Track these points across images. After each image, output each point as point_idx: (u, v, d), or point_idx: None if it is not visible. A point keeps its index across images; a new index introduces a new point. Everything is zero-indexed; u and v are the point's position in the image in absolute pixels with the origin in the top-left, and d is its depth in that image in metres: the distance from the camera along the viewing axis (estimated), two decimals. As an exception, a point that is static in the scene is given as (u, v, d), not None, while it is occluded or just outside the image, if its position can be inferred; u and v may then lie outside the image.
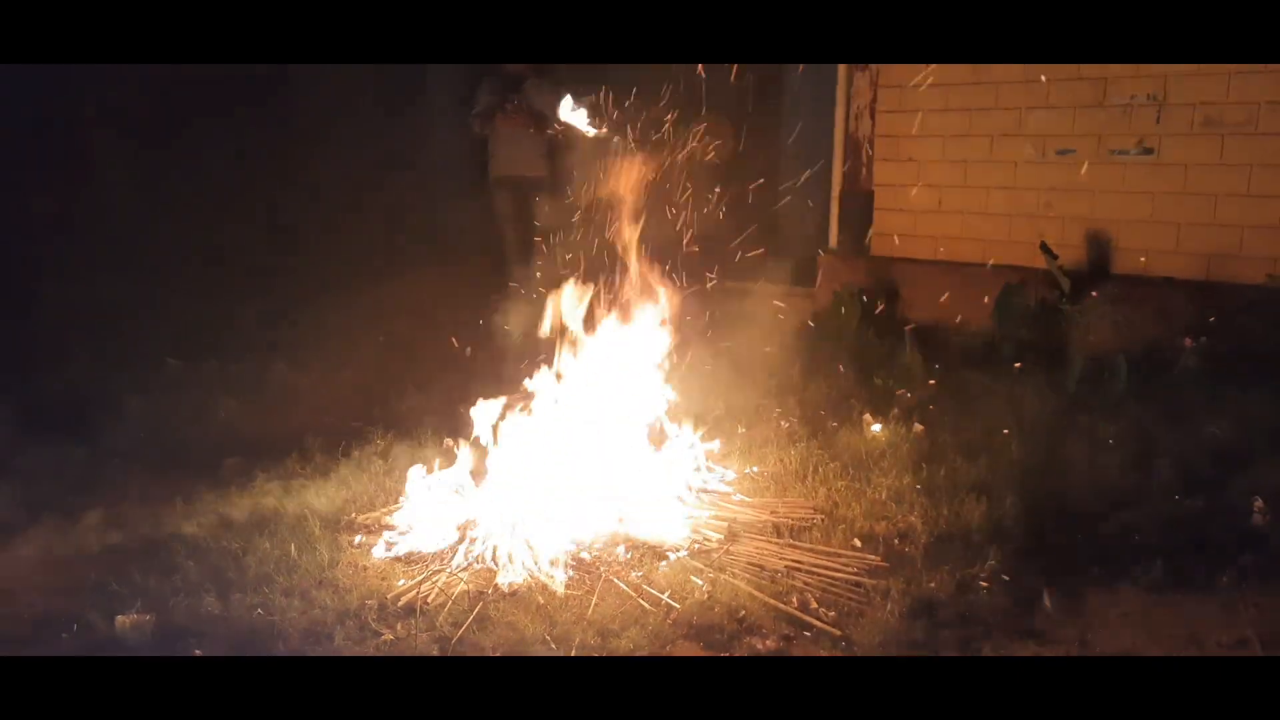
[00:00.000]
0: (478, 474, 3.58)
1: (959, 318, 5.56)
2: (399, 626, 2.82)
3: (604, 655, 2.65)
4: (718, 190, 4.75)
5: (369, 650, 2.72)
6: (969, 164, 5.84)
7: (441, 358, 5.31)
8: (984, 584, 3.03)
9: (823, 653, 2.73)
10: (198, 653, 2.71)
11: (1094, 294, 5.19)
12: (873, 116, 6.17)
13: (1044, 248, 5.35)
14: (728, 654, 2.73)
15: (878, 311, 5.91)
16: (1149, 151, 5.26)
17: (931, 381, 4.91)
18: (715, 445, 4.07)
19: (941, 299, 5.70)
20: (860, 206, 6.30)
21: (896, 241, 6.16)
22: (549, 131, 6.36)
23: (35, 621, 2.93)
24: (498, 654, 2.69)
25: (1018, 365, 4.95)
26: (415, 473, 3.56)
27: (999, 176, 5.74)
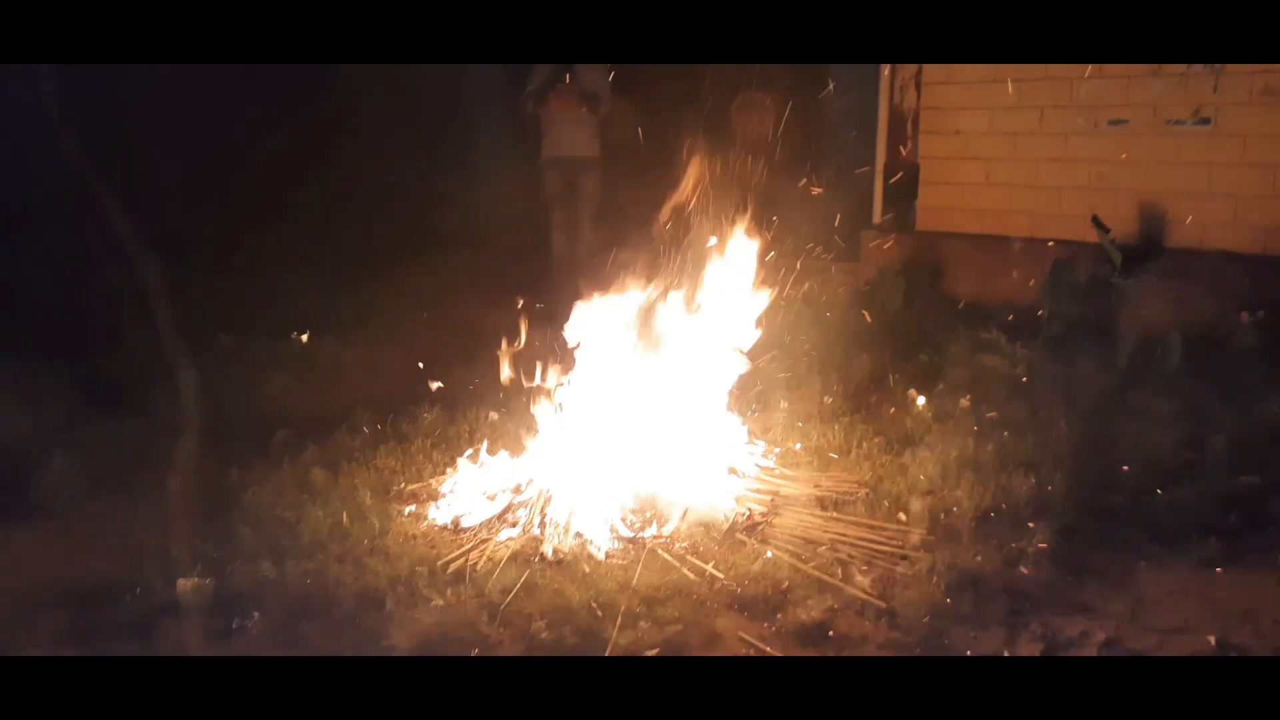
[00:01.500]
0: (523, 445, 3.62)
1: (1006, 293, 5.47)
2: (449, 593, 2.87)
3: (601, 656, 2.58)
4: (760, 165, 4.72)
5: (420, 615, 2.78)
6: (1018, 136, 5.73)
7: (485, 334, 5.36)
8: (1031, 558, 3.00)
9: (867, 625, 2.74)
10: (256, 616, 2.79)
11: (1147, 268, 5.07)
12: (918, 88, 6.07)
13: (1096, 221, 5.23)
14: (771, 625, 2.74)
15: (922, 287, 5.84)
16: (1206, 121, 5.11)
17: (979, 358, 4.85)
18: (758, 419, 4.07)
19: (988, 274, 5.61)
20: (905, 181, 6.21)
21: (942, 216, 6.08)
22: (600, 112, 6.37)
23: (100, 586, 3.03)
24: (544, 620, 2.73)
25: (1067, 341, 4.86)
26: (462, 444, 3.62)
27: (1049, 148, 5.63)
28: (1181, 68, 5.11)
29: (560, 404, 3.63)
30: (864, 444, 3.94)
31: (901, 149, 6.21)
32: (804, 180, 5.28)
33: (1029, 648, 2.62)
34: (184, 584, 2.89)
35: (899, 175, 6.23)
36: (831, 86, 6.04)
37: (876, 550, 3.10)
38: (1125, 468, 3.58)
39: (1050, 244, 5.48)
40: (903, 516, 3.34)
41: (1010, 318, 5.35)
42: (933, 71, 5.99)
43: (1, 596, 3.02)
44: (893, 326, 5.40)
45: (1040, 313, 5.26)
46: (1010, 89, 5.70)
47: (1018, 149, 5.76)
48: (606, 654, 2.57)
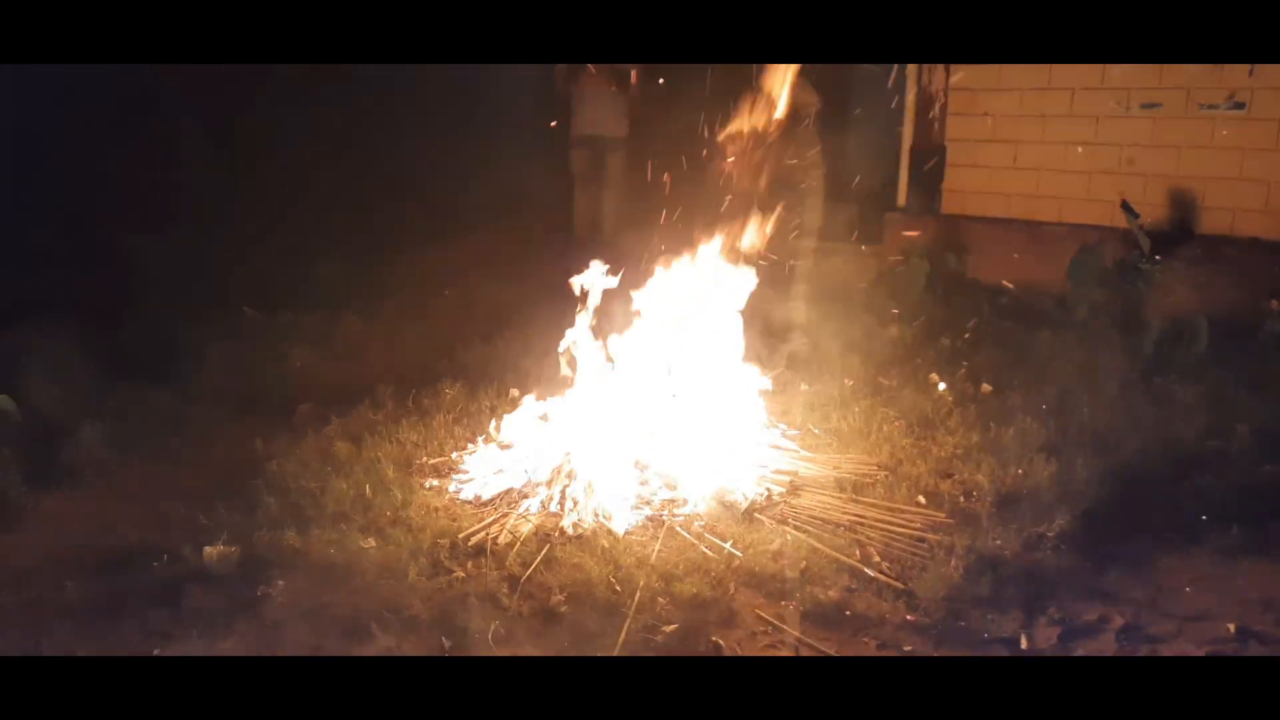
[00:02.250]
0: (544, 421, 3.64)
1: (1032, 277, 5.43)
2: (469, 565, 2.91)
3: (597, 656, 2.54)
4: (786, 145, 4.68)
5: (441, 585, 2.82)
6: (1048, 118, 5.66)
7: (506, 311, 5.40)
8: (1051, 542, 3.00)
9: (884, 605, 2.75)
10: (280, 584, 2.83)
11: (1176, 254, 5.01)
12: (947, 69, 6.00)
13: (1125, 206, 5.18)
14: (788, 603, 2.76)
15: (946, 271, 5.80)
16: (1240, 106, 5.03)
17: (1001, 342, 4.82)
18: (779, 400, 4.08)
19: (1014, 259, 5.56)
20: (931, 163, 6.16)
21: (968, 199, 6.02)
22: (631, 91, 6.34)
23: (128, 551, 3.09)
24: (563, 594, 2.76)
25: (1092, 326, 4.82)
26: (484, 420, 3.64)
27: (1079, 131, 5.55)
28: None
29: (582, 382, 3.65)
30: (884, 427, 3.94)
31: (929, 131, 6.15)
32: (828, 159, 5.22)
33: (1046, 631, 2.63)
34: (210, 551, 2.94)
35: (926, 158, 6.17)
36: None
37: (895, 532, 3.11)
38: (1147, 455, 3.56)
39: (1078, 228, 5.42)
40: (921, 499, 3.34)
41: (1035, 302, 5.32)
42: (961, 52, 5.92)
43: (32, 560, 3.09)
44: (915, 309, 5.37)
45: (1066, 297, 5.23)
46: (1041, 71, 5.62)
47: (1047, 131, 5.68)
48: (624, 627, 2.60)
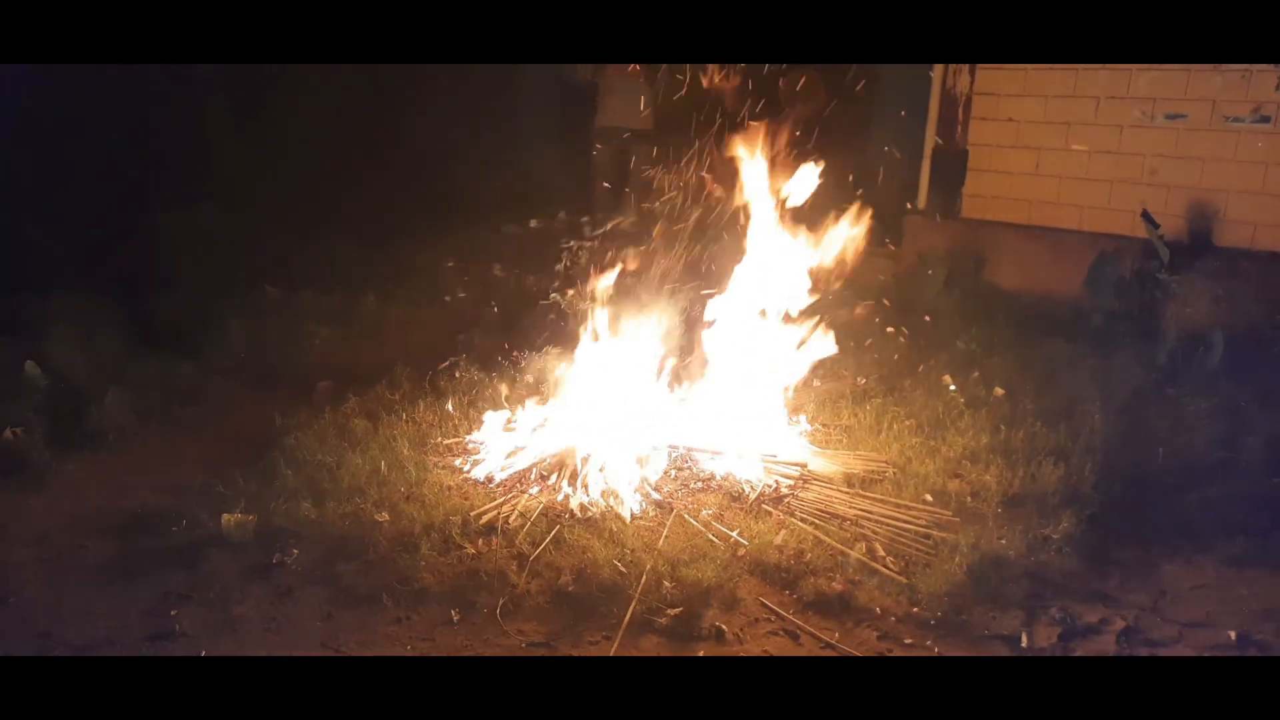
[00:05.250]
0: (557, 405, 3.69)
1: (1050, 284, 5.43)
2: (480, 543, 2.96)
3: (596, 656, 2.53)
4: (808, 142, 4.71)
5: (452, 561, 2.87)
6: (1071, 126, 5.64)
7: (523, 297, 5.45)
8: (1056, 544, 3.02)
9: (887, 599, 2.78)
10: (295, 553, 2.90)
11: (1195, 266, 5.00)
12: (972, 72, 5.99)
13: (1145, 216, 5.16)
14: (792, 593, 2.80)
15: (964, 275, 5.80)
16: (1266, 119, 5.01)
17: (1016, 348, 4.82)
18: (790, 396, 4.10)
19: (1032, 265, 5.56)
20: (953, 166, 6.15)
21: (988, 204, 6.02)
22: (657, 82, 6.34)
23: (148, 515, 3.17)
24: (571, 574, 2.81)
25: (1108, 335, 4.82)
26: (498, 402, 3.69)
27: (1103, 140, 5.54)
28: (1244, 64, 5.00)
29: (594, 367, 3.69)
30: (895, 425, 3.96)
31: (952, 134, 6.15)
32: (850, 161, 5.23)
33: (1047, 631, 2.65)
34: (228, 518, 3.01)
35: (947, 161, 6.17)
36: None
37: (901, 528, 3.13)
38: (1157, 463, 3.57)
39: (1097, 237, 5.41)
40: (928, 497, 3.36)
41: (1051, 309, 5.31)
42: (988, 57, 5.92)
43: (54, 521, 3.17)
44: (932, 312, 5.38)
45: (1083, 305, 5.22)
46: (1066, 77, 5.61)
47: (1070, 139, 5.67)
48: (630, 608, 2.64)
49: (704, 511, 3.23)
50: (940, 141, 6.17)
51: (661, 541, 3.01)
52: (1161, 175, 5.37)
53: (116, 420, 3.85)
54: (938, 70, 6.10)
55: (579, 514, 3.13)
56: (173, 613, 2.65)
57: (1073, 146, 5.59)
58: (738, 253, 3.85)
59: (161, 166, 6.04)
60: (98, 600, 2.72)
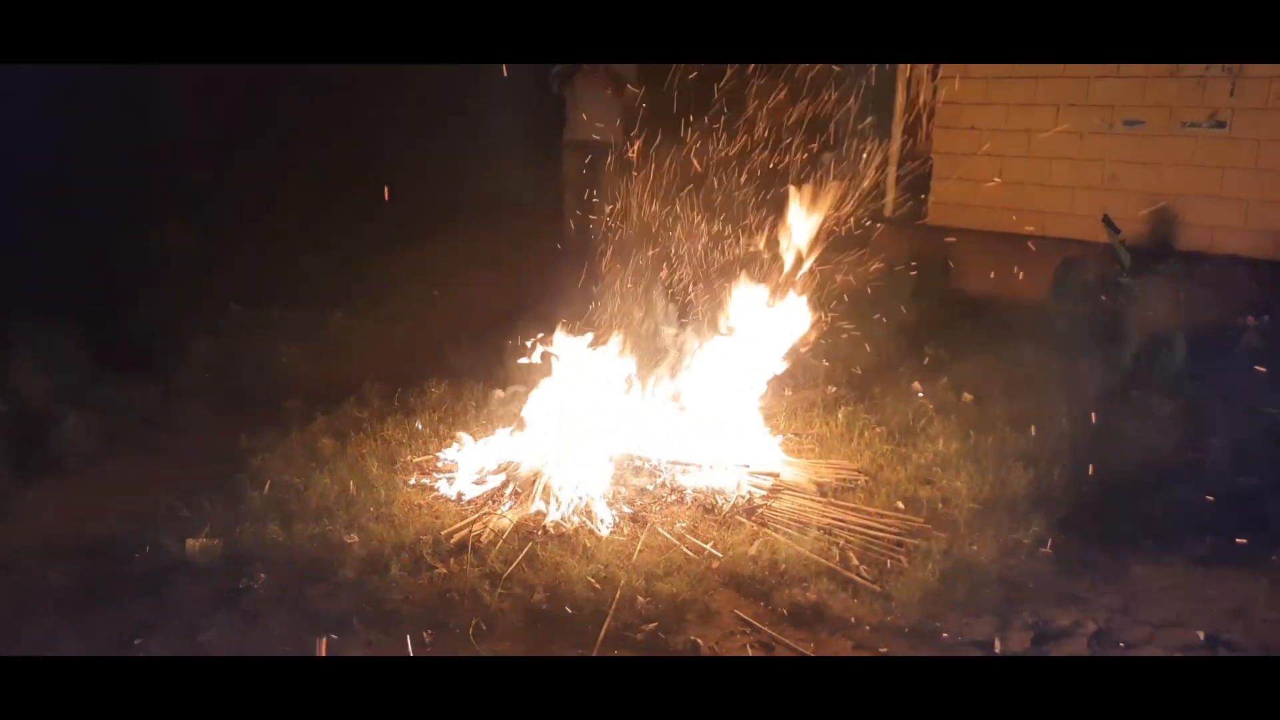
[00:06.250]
0: (528, 421, 3.66)
1: (1015, 290, 5.49)
2: (452, 562, 2.93)
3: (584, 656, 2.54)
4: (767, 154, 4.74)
5: (423, 581, 2.84)
6: (1032, 133, 5.73)
7: (493, 313, 5.42)
8: (1027, 549, 3.04)
9: (861, 608, 2.78)
10: (262, 577, 2.85)
11: (1156, 270, 5.09)
12: (935, 81, 6.07)
13: (1106, 221, 5.25)
14: (766, 604, 2.79)
15: (931, 281, 5.85)
16: (1221, 125, 5.12)
17: (984, 353, 4.87)
18: (762, 406, 4.11)
19: (997, 271, 5.62)
20: (917, 174, 6.23)
21: (953, 211, 6.09)
22: (626, 94, 6.32)
23: (112, 541, 3.10)
24: (545, 592, 2.78)
25: (1073, 339, 4.88)
26: (468, 419, 3.66)
27: (1063, 147, 5.63)
28: (1199, 70, 5.11)
29: (565, 382, 3.68)
30: (865, 433, 3.98)
31: (915, 143, 6.22)
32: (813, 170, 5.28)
33: (1020, 636, 2.67)
34: (193, 543, 2.95)
35: (912, 168, 6.24)
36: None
37: (873, 536, 3.14)
38: (1124, 465, 3.61)
39: (1061, 242, 5.49)
40: (900, 505, 3.38)
41: (1017, 315, 5.37)
42: (949, 66, 5.99)
43: (16, 548, 3.09)
44: (899, 319, 5.41)
45: (1048, 310, 5.29)
46: (1027, 85, 5.69)
47: (1031, 146, 5.76)
48: (605, 624, 2.62)
49: (678, 524, 3.22)
50: (905, 150, 6.24)
51: (635, 556, 2.99)
52: (1122, 181, 5.46)
53: (80, 445, 3.77)
54: (901, 80, 6.18)
55: (552, 530, 3.10)
56: (136, 641, 2.59)
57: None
58: (705, 266, 3.86)
59: (125, 185, 5.97)
60: (60, 629, 2.65)
